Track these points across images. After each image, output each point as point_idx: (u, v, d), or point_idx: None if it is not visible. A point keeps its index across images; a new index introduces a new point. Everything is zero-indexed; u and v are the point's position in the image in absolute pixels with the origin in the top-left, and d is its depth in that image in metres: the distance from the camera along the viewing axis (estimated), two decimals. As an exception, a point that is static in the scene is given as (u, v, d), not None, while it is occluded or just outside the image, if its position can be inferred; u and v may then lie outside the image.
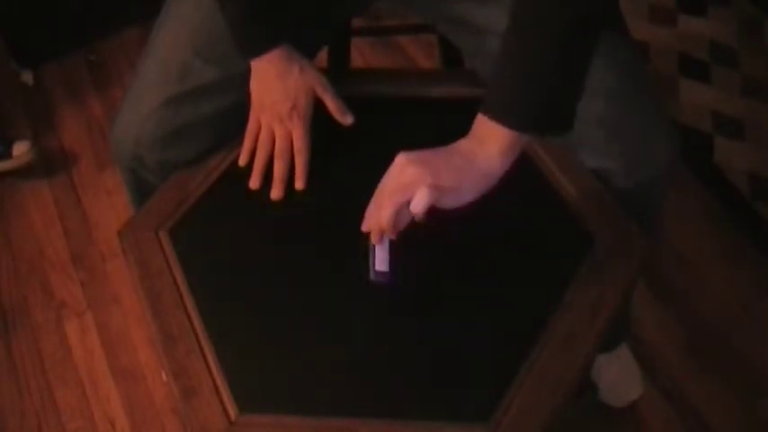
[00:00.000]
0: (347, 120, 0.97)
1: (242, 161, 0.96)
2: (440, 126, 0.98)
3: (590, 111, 0.89)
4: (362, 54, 1.89)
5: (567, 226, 0.89)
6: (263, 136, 0.95)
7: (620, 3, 0.95)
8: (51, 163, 1.79)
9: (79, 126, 1.86)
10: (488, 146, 0.76)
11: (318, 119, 0.97)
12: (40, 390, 1.46)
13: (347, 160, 0.97)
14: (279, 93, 0.93)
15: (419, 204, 0.74)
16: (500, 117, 0.75)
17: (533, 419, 0.76)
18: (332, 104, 0.96)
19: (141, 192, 1.01)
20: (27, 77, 1.96)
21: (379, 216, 0.78)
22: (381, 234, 0.80)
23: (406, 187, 0.75)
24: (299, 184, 0.94)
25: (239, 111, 0.95)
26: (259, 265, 0.88)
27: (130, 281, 1.10)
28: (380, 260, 0.84)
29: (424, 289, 0.85)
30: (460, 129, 0.98)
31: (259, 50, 0.92)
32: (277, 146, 0.94)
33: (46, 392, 1.45)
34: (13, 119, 1.88)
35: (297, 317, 0.84)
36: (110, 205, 1.70)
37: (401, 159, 0.78)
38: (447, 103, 1.01)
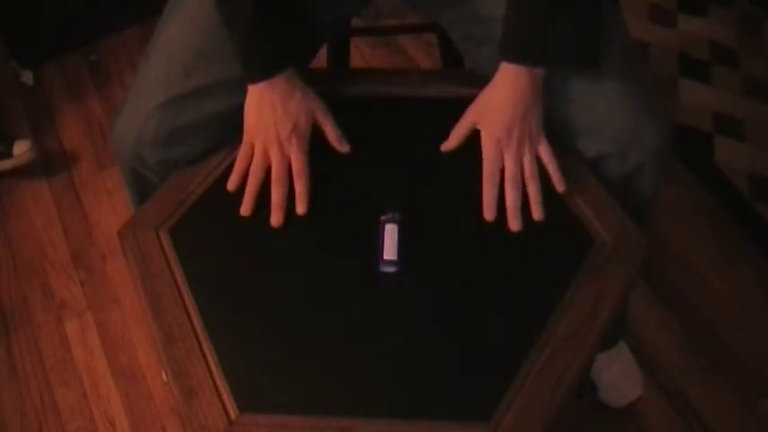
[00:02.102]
0: (344, 148, 0.96)
1: (231, 186, 0.93)
2: (440, 126, 0.98)
3: (585, 96, 0.90)
4: (362, 54, 1.89)
5: (567, 226, 0.89)
6: (257, 161, 0.93)
7: (620, 2, 0.95)
8: (51, 163, 1.79)
9: (79, 126, 1.86)
10: (520, 87, 0.90)
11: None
12: (40, 390, 1.46)
13: (347, 159, 0.96)
14: (280, 115, 0.92)
15: (553, 161, 0.90)
16: (521, 58, 0.89)
17: (533, 419, 0.76)
18: (331, 132, 0.96)
19: (141, 191, 1.01)
20: (27, 77, 1.96)
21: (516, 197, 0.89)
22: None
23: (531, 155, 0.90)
24: (300, 209, 0.91)
25: (241, 111, 0.95)
26: (259, 265, 0.88)
27: (130, 281, 1.10)
28: (389, 249, 0.86)
29: (425, 289, 0.85)
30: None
31: (266, 74, 0.91)
32: (274, 171, 0.92)
33: (46, 392, 1.45)
34: (13, 119, 1.88)
35: (297, 316, 0.84)
36: (110, 205, 1.71)
37: (494, 141, 0.91)
38: (447, 103, 1.01)
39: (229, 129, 0.97)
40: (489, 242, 0.88)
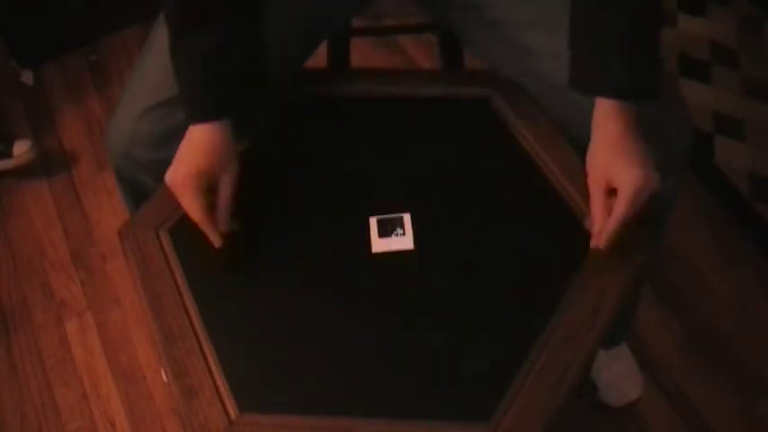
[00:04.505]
0: (222, 227, 0.88)
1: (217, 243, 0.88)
2: (440, 126, 0.98)
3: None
4: (362, 54, 1.89)
5: (567, 226, 0.89)
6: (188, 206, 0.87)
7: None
8: (51, 163, 1.79)
9: (79, 126, 1.86)
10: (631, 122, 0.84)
11: (319, 119, 0.97)
12: (40, 390, 1.46)
13: (347, 160, 0.96)
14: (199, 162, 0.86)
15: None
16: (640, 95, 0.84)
17: (533, 419, 0.76)
18: (222, 203, 0.88)
19: (135, 192, 1.01)
20: (27, 77, 1.96)
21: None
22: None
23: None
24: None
25: None
26: (259, 265, 0.88)
27: (130, 281, 1.10)
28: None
29: (425, 289, 0.85)
30: (460, 128, 0.98)
31: (216, 115, 0.87)
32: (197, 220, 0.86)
33: (46, 392, 1.45)
34: (13, 119, 1.88)
35: (297, 317, 0.84)
36: (110, 205, 1.71)
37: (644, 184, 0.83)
38: (447, 103, 1.01)
39: None
40: (489, 242, 0.88)
